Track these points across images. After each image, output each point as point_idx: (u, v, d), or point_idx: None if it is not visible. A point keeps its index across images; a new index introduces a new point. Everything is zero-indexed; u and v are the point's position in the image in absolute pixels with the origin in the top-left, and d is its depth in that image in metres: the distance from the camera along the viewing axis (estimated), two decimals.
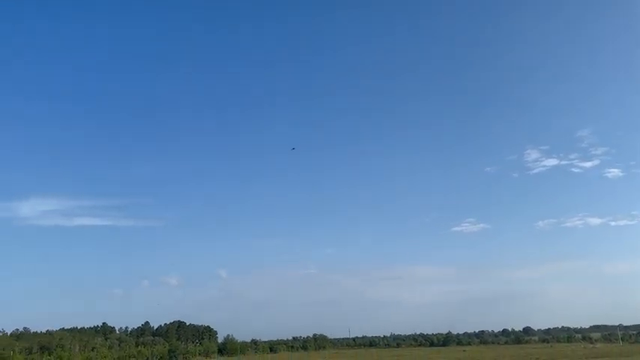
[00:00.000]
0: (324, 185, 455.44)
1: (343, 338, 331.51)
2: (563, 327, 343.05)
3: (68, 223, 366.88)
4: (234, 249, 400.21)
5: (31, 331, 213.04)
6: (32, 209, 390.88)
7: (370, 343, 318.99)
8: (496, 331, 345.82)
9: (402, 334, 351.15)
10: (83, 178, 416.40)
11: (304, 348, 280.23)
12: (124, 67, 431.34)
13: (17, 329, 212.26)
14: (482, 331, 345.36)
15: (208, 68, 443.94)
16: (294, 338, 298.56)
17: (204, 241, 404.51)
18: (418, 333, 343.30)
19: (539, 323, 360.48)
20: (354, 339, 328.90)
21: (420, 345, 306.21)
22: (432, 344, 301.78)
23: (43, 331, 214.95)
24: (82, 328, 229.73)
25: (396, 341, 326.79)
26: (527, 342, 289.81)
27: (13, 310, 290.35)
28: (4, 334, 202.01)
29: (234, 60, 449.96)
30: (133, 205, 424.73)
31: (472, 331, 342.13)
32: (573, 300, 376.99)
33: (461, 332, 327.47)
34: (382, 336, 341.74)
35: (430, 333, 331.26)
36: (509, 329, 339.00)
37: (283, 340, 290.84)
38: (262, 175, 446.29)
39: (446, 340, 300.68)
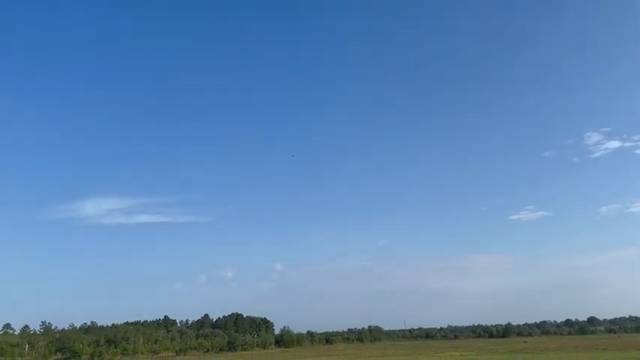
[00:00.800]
0: (376, 176, 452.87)
1: (399, 330, 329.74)
2: (630, 316, 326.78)
3: (130, 221, 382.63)
4: (289, 242, 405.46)
5: (98, 325, 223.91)
6: (96, 208, 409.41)
7: (426, 334, 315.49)
8: (558, 321, 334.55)
9: (460, 325, 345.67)
10: (142, 178, 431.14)
11: (360, 340, 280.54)
12: (177, 69, 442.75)
13: (85, 323, 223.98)
14: (544, 321, 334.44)
15: (247, 63, 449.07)
16: (349, 330, 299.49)
17: (258, 234, 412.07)
18: (476, 324, 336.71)
19: (605, 313, 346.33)
20: (409, 330, 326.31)
21: (478, 336, 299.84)
22: (491, 335, 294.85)
23: (109, 324, 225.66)
24: (145, 322, 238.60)
25: (453, 333, 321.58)
26: (592, 332, 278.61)
27: (81, 305, 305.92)
28: (74, 328, 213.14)
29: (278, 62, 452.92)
30: (188, 201, 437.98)
31: (533, 322, 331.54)
32: (637, 288, 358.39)
33: (521, 323, 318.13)
34: (439, 327, 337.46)
35: (489, 324, 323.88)
36: (573, 319, 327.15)
37: (339, 332, 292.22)
38: (315, 168, 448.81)
39: (505, 331, 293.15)
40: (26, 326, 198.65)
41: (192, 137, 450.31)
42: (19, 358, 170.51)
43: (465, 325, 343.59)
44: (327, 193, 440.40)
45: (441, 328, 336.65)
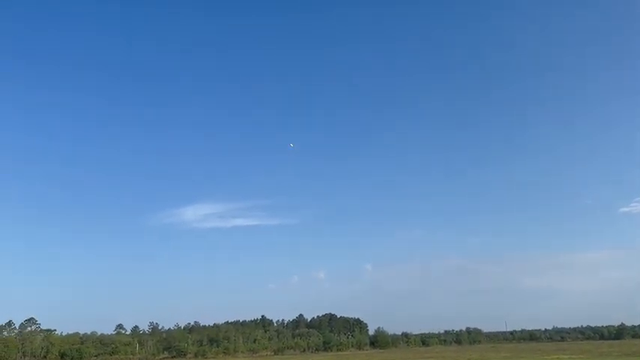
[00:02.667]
0: (465, 171, 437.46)
1: (499, 332, 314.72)
2: None
3: (225, 225, 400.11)
4: (378, 241, 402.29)
5: (201, 325, 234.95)
6: (194, 213, 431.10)
7: (530, 336, 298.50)
8: None
9: (567, 326, 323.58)
10: (235, 183, 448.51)
11: (457, 342, 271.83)
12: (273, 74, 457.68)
13: (189, 323, 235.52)
14: None
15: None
16: (446, 332, 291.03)
17: (348, 235, 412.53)
18: (585, 325, 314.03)
19: None
20: (511, 332, 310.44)
21: (587, 339, 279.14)
22: (602, 337, 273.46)
23: (211, 324, 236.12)
24: (244, 321, 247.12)
25: (559, 334, 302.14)
26: None
27: (185, 305, 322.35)
28: (179, 328, 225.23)
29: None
30: (278, 204, 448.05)
31: None
32: None
33: (636, 324, 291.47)
34: (543, 329, 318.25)
35: (599, 325, 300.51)
36: None
37: (435, 334, 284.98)
38: (404, 167, 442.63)
39: (618, 333, 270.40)
40: (136, 326, 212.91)
41: (278, 140, 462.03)
42: (131, 356, 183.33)
43: (572, 327, 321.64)
44: (415, 190, 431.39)
45: (546, 330, 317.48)
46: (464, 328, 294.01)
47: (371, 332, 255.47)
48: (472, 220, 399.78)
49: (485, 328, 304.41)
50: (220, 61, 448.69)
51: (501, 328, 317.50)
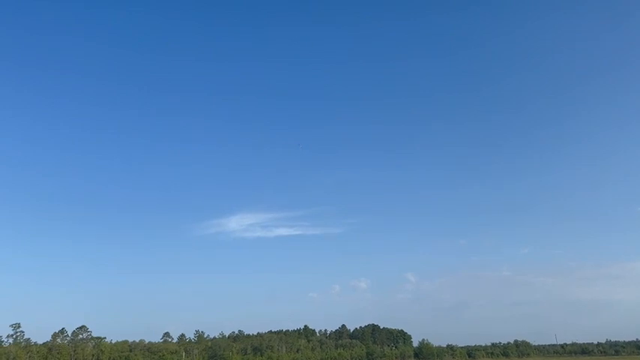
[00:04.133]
0: (515, 180, 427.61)
1: (549, 345, 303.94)
2: None
3: (267, 234, 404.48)
4: (421, 251, 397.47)
5: (245, 334, 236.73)
6: (238, 224, 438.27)
7: (582, 350, 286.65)
8: None
9: (622, 340, 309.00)
10: (278, 194, 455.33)
11: (505, 354, 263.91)
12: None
13: (234, 332, 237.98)
14: None
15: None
16: (492, 344, 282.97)
17: (389, 245, 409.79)
18: None
19: None
20: (562, 345, 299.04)
21: None
22: None
23: (254, 333, 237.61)
24: (287, 331, 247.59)
25: (613, 348, 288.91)
26: None
27: (229, 314, 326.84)
28: (224, 337, 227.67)
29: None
30: (319, 214, 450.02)
31: None
32: None
33: None
34: (596, 342, 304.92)
35: None
36: None
37: (481, 346, 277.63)
38: (445, 173, 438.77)
39: None
40: (183, 335, 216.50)
41: (318, 150, 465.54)
42: None
43: (627, 340, 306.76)
44: (459, 199, 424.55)
45: (599, 343, 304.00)
46: (512, 341, 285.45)
47: (415, 344, 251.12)
48: (520, 232, 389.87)
49: (535, 341, 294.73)
50: (270, 79, 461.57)
51: (551, 341, 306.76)
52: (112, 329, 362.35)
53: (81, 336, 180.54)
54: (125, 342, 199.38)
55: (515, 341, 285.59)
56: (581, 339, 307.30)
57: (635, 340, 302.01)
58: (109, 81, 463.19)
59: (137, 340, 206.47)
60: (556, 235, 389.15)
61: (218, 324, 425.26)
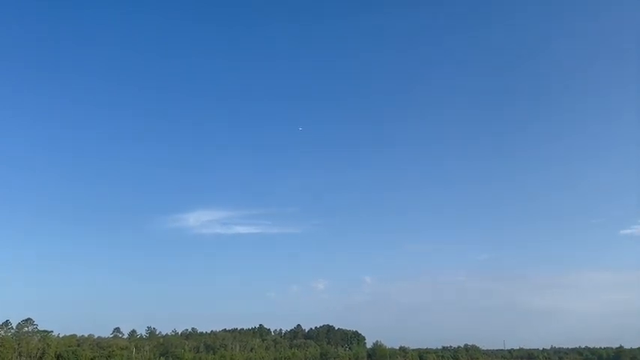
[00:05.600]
0: (476, 185, 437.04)
1: (497, 350, 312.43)
2: None
3: (226, 232, 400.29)
4: (380, 254, 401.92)
5: (198, 331, 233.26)
6: (197, 220, 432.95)
7: (528, 355, 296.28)
8: None
9: (565, 347, 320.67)
10: (239, 191, 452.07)
11: (455, 358, 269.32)
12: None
13: (186, 329, 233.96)
14: None
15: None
16: (443, 347, 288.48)
17: (349, 246, 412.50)
18: (583, 346, 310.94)
19: None
20: (509, 351, 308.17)
21: (585, 359, 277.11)
22: (600, 359, 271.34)
23: (208, 331, 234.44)
24: (242, 329, 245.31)
25: (557, 355, 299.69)
26: None
27: (184, 311, 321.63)
28: (176, 334, 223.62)
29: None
30: (280, 213, 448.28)
31: None
32: None
33: (635, 346, 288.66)
34: (541, 349, 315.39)
35: (598, 346, 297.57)
36: None
37: (432, 349, 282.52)
38: (407, 175, 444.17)
39: (617, 355, 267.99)
40: (134, 331, 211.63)
41: (282, 150, 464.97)
42: None
43: (570, 347, 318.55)
44: (422, 204, 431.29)
45: (544, 350, 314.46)
46: (462, 345, 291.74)
47: (369, 345, 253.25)
48: (479, 237, 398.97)
49: (484, 346, 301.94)
50: (229, 74, 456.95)
51: (500, 346, 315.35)
52: (60, 323, 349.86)
53: (26, 329, 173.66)
54: (73, 336, 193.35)
55: (466, 345, 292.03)
56: (528, 345, 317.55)
57: (578, 347, 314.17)
58: (66, 73, 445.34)
59: (86, 335, 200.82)
60: (514, 243, 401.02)
61: (171, 321, 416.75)
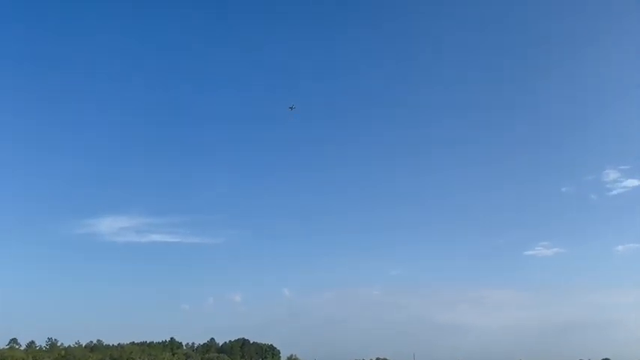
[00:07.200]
0: (392, 203, 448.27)
1: None
2: None
3: (141, 240, 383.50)
4: (299, 267, 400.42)
5: (104, 344, 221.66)
6: (110, 226, 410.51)
7: None
8: None
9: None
10: (155, 197, 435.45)
11: None
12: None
13: (91, 341, 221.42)
14: None
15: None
16: None
17: (268, 259, 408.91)
18: None
19: (621, 355, 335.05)
20: None
21: None
22: None
23: (115, 343, 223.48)
24: (151, 343, 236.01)
25: None
26: None
27: (87, 321, 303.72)
28: (80, 346, 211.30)
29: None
30: (200, 222, 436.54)
31: None
32: None
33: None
34: None
35: None
36: None
37: None
38: (331, 192, 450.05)
39: None
40: (32, 342, 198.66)
41: (205, 158, 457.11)
42: None
43: None
44: (341, 219, 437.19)
45: None
46: (374, 358, 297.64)
47: (283, 359, 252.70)
48: (393, 251, 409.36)
49: (395, 359, 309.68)
50: (143, 66, 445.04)
51: (410, 359, 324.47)
52: None
53: None
54: None
55: (377, 358, 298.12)
56: (436, 359, 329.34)
57: None
58: None
59: None
60: (425, 258, 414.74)
61: (75, 331, 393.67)
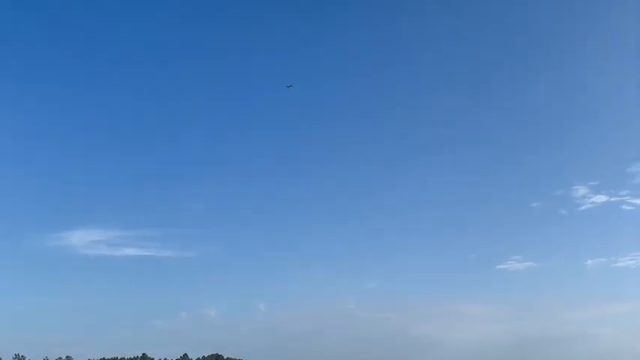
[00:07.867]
0: (368, 217, 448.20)
1: None
2: None
3: (113, 253, 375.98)
4: (275, 281, 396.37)
5: None
6: (81, 239, 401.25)
7: None
8: None
9: None
10: (130, 209, 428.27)
11: None
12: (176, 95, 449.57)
13: (60, 357, 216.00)
14: None
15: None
16: None
17: (245, 273, 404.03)
18: None
19: None
20: None
21: None
22: None
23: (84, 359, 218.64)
24: (123, 358, 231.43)
25: None
26: None
27: (56, 336, 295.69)
28: None
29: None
30: (174, 235, 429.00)
31: None
32: (624, 345, 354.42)
33: None
34: None
35: None
36: None
37: None
38: (306, 205, 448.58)
39: None
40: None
41: (180, 172, 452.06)
42: None
43: None
44: (316, 231, 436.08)
45: None
46: None
47: None
48: (369, 265, 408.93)
49: None
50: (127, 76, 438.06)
51: None
52: None
53: None
54: None
55: None
56: None
57: None
58: None
59: None
60: (400, 271, 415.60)
61: (42, 347, 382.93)
